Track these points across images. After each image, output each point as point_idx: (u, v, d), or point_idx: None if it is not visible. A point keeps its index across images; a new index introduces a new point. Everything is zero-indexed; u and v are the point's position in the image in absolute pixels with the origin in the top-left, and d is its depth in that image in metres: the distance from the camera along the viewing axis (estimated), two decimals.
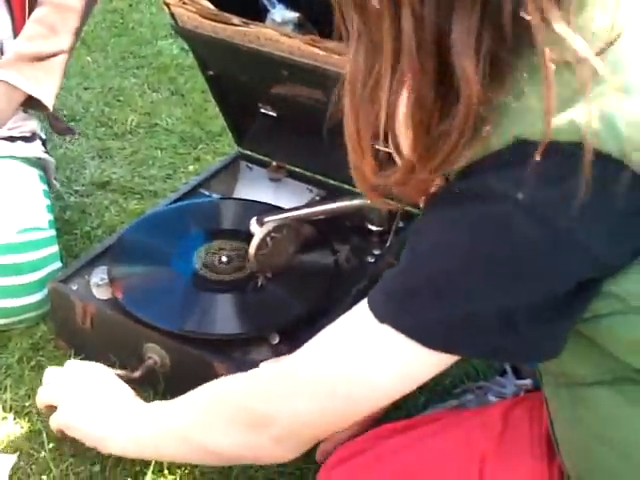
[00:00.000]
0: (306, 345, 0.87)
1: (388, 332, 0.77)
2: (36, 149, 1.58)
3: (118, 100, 2.18)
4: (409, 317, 0.76)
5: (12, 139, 1.55)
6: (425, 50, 0.69)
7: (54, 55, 1.52)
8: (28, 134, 1.58)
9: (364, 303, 0.81)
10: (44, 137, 1.63)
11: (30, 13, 1.53)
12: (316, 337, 0.87)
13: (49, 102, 1.53)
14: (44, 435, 1.23)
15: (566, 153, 0.64)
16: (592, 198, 0.65)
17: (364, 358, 0.80)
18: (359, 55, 0.73)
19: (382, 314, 0.78)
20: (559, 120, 0.64)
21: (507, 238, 0.69)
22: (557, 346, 0.75)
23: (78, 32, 1.56)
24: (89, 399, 1.13)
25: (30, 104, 1.53)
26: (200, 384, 1.02)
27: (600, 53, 0.66)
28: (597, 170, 0.64)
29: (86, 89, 2.23)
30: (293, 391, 0.87)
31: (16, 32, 1.55)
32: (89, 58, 2.37)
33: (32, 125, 1.60)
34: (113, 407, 1.10)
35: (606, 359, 0.77)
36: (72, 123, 2.07)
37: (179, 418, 1.01)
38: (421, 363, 0.78)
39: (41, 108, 1.54)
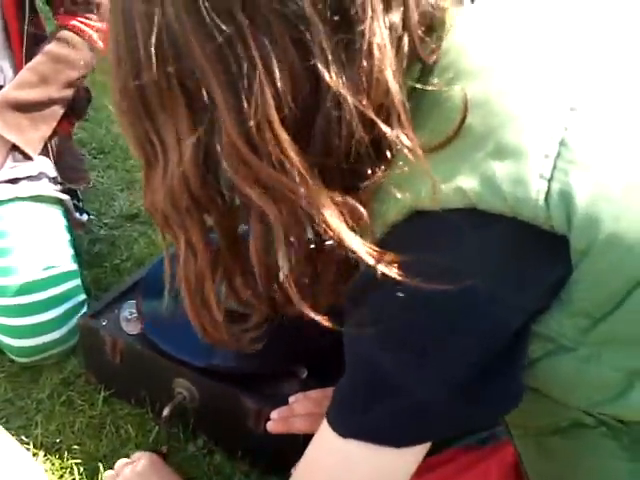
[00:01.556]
0: None
1: (353, 444, 0.74)
2: (44, 187, 1.55)
3: None
4: (366, 422, 0.73)
5: (15, 180, 1.53)
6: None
7: (41, 104, 1.53)
8: (34, 173, 1.55)
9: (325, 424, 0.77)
10: (53, 175, 1.59)
11: (27, 61, 1.55)
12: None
13: (32, 150, 1.53)
14: (75, 471, 1.24)
15: (458, 219, 0.64)
16: (495, 256, 0.65)
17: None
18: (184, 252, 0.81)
19: (343, 429, 0.75)
20: (446, 189, 0.64)
21: (432, 312, 0.67)
22: (518, 394, 0.72)
23: (73, 84, 1.58)
24: None
25: (18, 151, 1.53)
26: (230, 419, 1.01)
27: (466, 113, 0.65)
28: (493, 229, 0.64)
29: (114, 122, 2.24)
30: None
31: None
32: None
33: (37, 164, 1.56)
34: None
35: (557, 407, 0.76)
36: (101, 155, 2.10)
37: None
38: (400, 463, 0.75)
39: (27, 156, 1.54)
